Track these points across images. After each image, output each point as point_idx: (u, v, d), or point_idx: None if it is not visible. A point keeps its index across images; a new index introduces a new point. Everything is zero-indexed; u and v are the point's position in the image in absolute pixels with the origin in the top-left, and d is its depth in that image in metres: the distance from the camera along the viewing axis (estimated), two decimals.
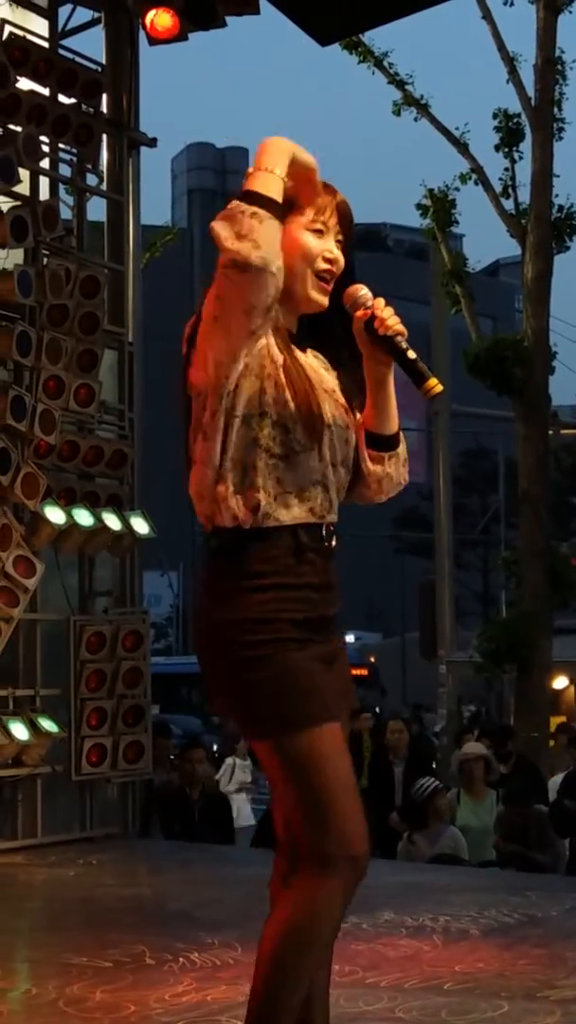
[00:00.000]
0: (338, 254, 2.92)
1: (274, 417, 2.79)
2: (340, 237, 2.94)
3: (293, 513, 2.82)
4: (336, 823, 2.71)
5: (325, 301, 2.92)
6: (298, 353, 2.89)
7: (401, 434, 3.02)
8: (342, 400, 2.94)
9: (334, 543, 2.90)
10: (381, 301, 2.90)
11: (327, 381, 2.94)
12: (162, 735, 9.94)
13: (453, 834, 8.64)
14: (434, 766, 12.47)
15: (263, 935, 2.78)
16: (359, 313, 2.89)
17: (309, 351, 2.95)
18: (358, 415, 2.99)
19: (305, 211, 2.88)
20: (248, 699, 2.80)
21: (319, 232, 2.90)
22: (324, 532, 2.87)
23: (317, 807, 2.72)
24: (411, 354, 2.86)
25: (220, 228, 2.68)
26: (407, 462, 3.06)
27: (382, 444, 2.99)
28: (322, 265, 2.89)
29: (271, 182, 2.74)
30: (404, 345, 2.86)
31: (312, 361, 2.94)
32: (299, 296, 2.90)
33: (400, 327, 2.87)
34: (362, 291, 2.91)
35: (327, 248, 2.90)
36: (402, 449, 3.03)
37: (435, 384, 2.86)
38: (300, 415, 2.81)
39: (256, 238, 2.65)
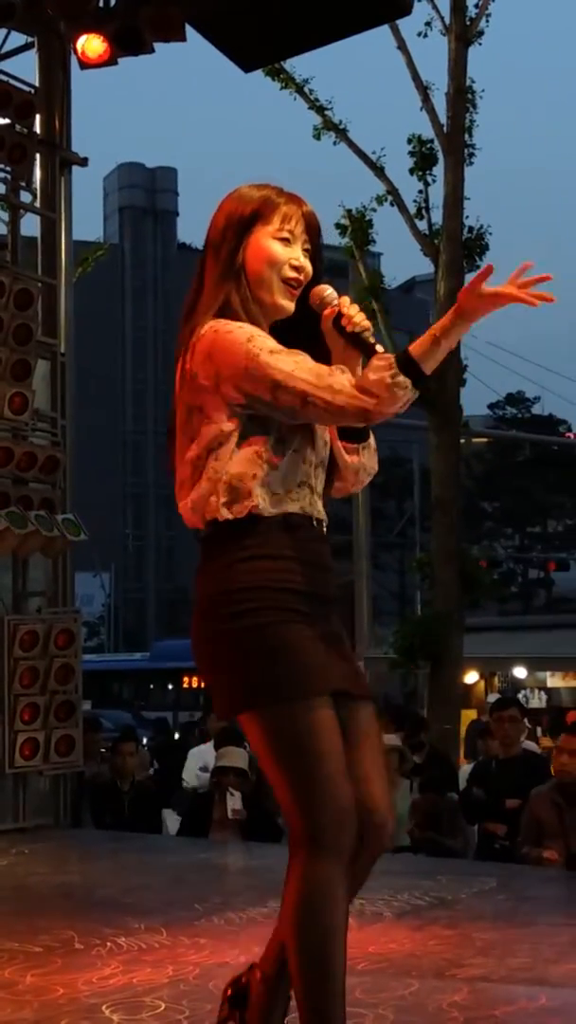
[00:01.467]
0: (305, 262, 2.90)
1: (274, 432, 2.79)
2: (307, 246, 2.93)
3: (284, 507, 2.81)
4: (322, 798, 2.65)
5: (291, 307, 2.90)
6: None
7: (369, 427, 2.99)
8: None
9: (325, 531, 2.88)
10: (347, 299, 2.88)
11: None
12: (93, 729, 9.87)
13: None
14: None
15: (282, 914, 2.71)
16: (327, 311, 2.88)
17: None
18: None
19: (271, 220, 2.87)
20: (236, 669, 2.72)
21: (286, 240, 2.88)
22: (314, 522, 2.86)
23: (307, 783, 2.65)
24: (379, 348, 2.83)
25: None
26: (376, 451, 3.05)
27: (354, 436, 2.97)
28: (289, 273, 2.87)
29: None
30: (372, 340, 2.84)
31: None
32: (268, 303, 2.87)
33: (366, 323, 2.85)
34: (328, 291, 2.89)
35: (294, 256, 2.88)
36: (372, 440, 3.02)
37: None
38: (296, 430, 2.81)
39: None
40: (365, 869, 2.84)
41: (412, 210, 16.41)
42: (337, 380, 2.69)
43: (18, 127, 8.95)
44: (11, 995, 4.13)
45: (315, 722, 2.67)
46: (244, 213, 2.86)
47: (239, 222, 2.86)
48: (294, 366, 2.69)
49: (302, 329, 2.90)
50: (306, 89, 16.89)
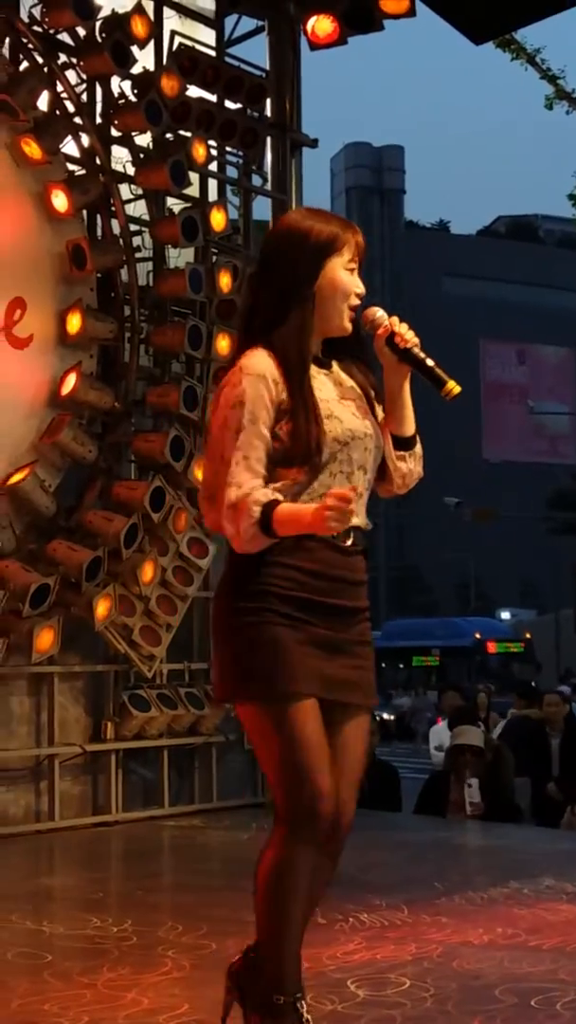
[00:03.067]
0: (363, 289, 3.15)
1: (301, 455, 2.97)
2: (359, 271, 3.16)
3: None
4: (297, 786, 2.94)
5: (351, 327, 3.14)
6: (322, 376, 3.09)
7: (416, 436, 3.23)
8: (365, 406, 3.13)
9: (350, 542, 3.04)
10: (396, 319, 3.13)
11: (353, 390, 3.13)
12: None
13: None
14: None
15: (256, 871, 3.06)
16: (380, 331, 3.13)
17: (334, 364, 3.15)
18: (380, 414, 3.18)
19: (343, 252, 3.09)
20: (226, 663, 3.02)
21: (352, 271, 3.12)
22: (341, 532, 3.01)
23: (281, 770, 2.96)
24: (429, 361, 3.09)
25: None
26: (421, 458, 3.26)
27: (403, 444, 3.21)
28: (355, 301, 3.13)
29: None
30: (422, 355, 3.09)
31: (339, 375, 3.15)
32: (334, 325, 3.12)
33: (416, 339, 3.10)
34: (379, 312, 3.16)
35: (358, 285, 3.13)
36: (418, 448, 3.24)
37: (453, 386, 3.06)
38: (317, 444, 2.98)
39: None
40: (333, 852, 3.14)
41: None
42: (250, 497, 2.91)
43: (250, 111, 9.06)
44: None
45: (298, 716, 2.93)
46: (320, 243, 3.07)
47: (315, 251, 3.06)
48: (243, 460, 2.94)
49: (341, 344, 3.16)
50: (538, 59, 16.59)
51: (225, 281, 8.28)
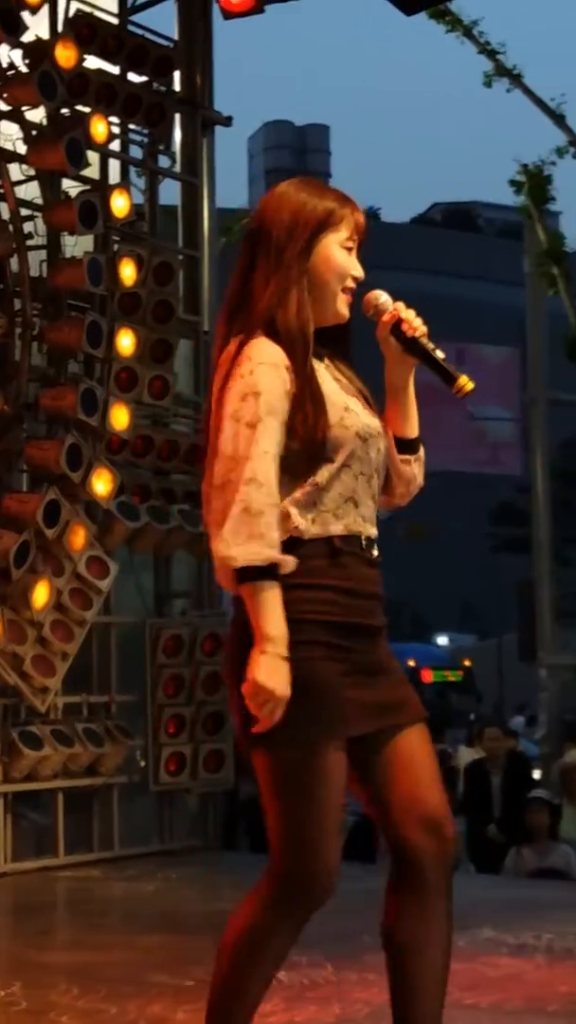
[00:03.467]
0: (362, 272, 3.07)
1: (310, 451, 2.88)
2: (357, 251, 3.09)
3: (328, 528, 2.92)
4: (301, 855, 2.86)
5: (348, 313, 3.07)
6: (322, 367, 3.00)
7: (420, 438, 3.16)
8: (366, 404, 3.06)
9: (375, 553, 2.99)
10: (402, 304, 3.06)
11: (351, 388, 3.06)
12: None
13: (565, 851, 8.59)
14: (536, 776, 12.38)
15: (225, 928, 2.96)
16: (385, 318, 3.05)
17: (325, 358, 3.06)
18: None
19: (341, 228, 3.03)
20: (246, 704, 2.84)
21: (349, 250, 3.05)
22: (364, 542, 2.97)
23: (287, 833, 2.86)
24: (439, 354, 3.02)
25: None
26: (424, 464, 3.19)
27: (407, 447, 3.14)
28: (351, 284, 3.05)
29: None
30: (431, 345, 3.02)
31: (335, 369, 3.07)
32: (329, 311, 3.04)
33: (424, 328, 3.02)
34: (383, 297, 3.07)
35: (355, 267, 3.06)
36: (422, 452, 3.18)
37: (466, 382, 3.00)
38: (330, 441, 2.90)
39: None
40: (443, 877, 2.95)
41: None
42: (256, 528, 2.78)
43: (156, 85, 9.05)
44: None
45: (321, 771, 2.83)
46: (314, 219, 3.01)
47: (311, 226, 3.00)
48: (261, 459, 2.82)
49: (346, 337, 3.10)
50: (475, 32, 16.78)
51: (128, 272, 8.25)
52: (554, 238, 17.33)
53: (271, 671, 2.72)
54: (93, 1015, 4.46)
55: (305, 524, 2.89)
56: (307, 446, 2.87)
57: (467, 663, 41.35)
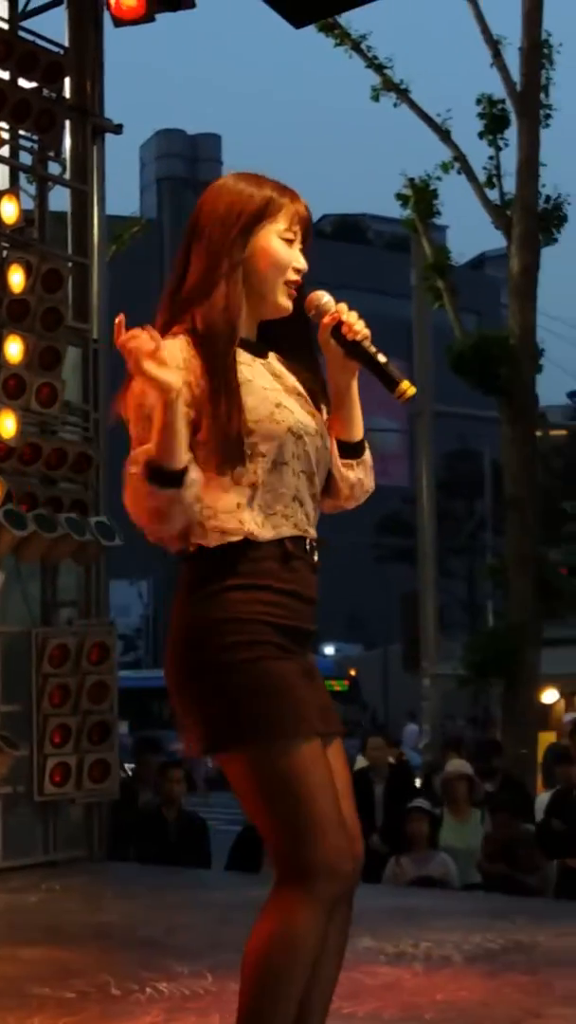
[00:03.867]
0: (305, 264, 3.02)
1: (224, 444, 2.84)
2: (301, 245, 3.04)
3: (280, 530, 2.90)
4: (317, 839, 2.76)
5: (290, 307, 3.02)
6: (258, 364, 2.98)
7: (366, 441, 3.12)
8: (310, 406, 3.02)
9: (316, 558, 2.97)
10: (344, 306, 3.00)
11: (294, 387, 3.03)
12: (149, 751, 9.95)
13: (443, 860, 8.68)
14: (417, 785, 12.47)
15: (247, 948, 2.81)
16: (325, 320, 3.00)
17: (271, 355, 3.04)
18: (325, 416, 3.07)
19: (278, 219, 2.99)
20: (219, 706, 2.81)
21: (289, 241, 3.00)
22: (308, 546, 2.95)
23: (296, 823, 2.78)
24: (381, 357, 2.96)
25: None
26: (372, 468, 3.16)
27: (350, 451, 3.10)
28: (292, 276, 3.00)
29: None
30: (373, 349, 2.97)
31: (276, 366, 3.03)
32: (269, 302, 3.01)
33: (367, 331, 2.97)
34: (325, 298, 3.02)
35: (296, 258, 3.01)
36: (367, 456, 3.14)
37: (408, 387, 2.96)
38: (258, 435, 2.88)
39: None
40: (349, 890, 2.92)
41: (482, 178, 16.39)
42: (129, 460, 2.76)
43: (46, 92, 8.99)
44: None
45: (308, 759, 2.79)
46: (250, 209, 2.97)
47: (245, 217, 2.96)
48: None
49: (291, 333, 3.06)
50: (363, 46, 16.91)
51: (16, 279, 8.20)
52: (440, 252, 17.50)
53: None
54: None
55: (255, 528, 2.86)
56: (220, 439, 2.83)
57: (352, 673, 41.52)
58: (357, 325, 2.97)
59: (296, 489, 2.93)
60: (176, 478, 2.73)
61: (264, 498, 2.89)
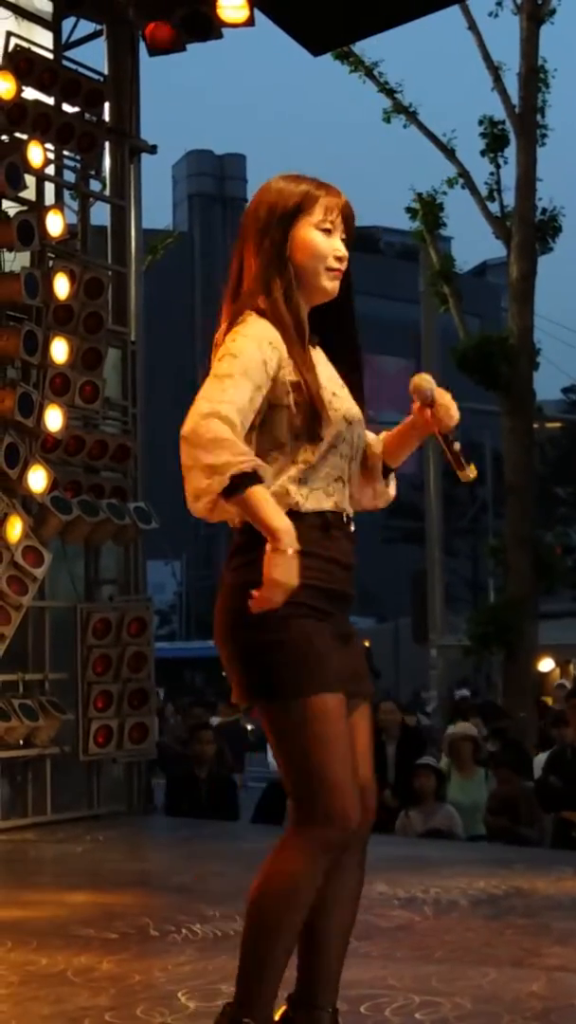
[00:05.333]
0: (345, 252, 2.99)
1: (305, 433, 2.86)
2: (344, 236, 3.01)
3: (322, 504, 2.91)
4: (324, 793, 2.76)
5: (336, 289, 3.00)
6: (315, 353, 2.97)
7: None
8: (353, 391, 3.03)
9: (352, 529, 2.99)
10: (448, 396, 3.05)
11: (335, 375, 3.02)
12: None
13: (448, 812, 8.66)
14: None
15: (252, 886, 2.82)
16: (427, 414, 3.05)
17: (317, 345, 3.02)
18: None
19: (314, 211, 2.96)
20: (254, 659, 2.83)
21: (327, 231, 2.97)
22: (345, 518, 2.97)
23: (307, 775, 2.78)
24: (456, 446, 3.06)
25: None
26: (395, 485, 3.24)
27: (387, 471, 3.19)
28: (333, 264, 2.98)
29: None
30: (451, 437, 3.06)
31: (322, 355, 3.02)
32: (316, 288, 2.98)
33: (453, 422, 3.04)
34: (426, 387, 3.05)
35: (336, 247, 2.98)
36: (392, 477, 3.22)
37: (471, 472, 3.06)
38: (326, 420, 2.88)
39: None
40: (363, 837, 2.94)
41: (484, 192, 16.29)
42: (224, 446, 2.68)
43: (87, 116, 9.00)
44: (88, 981, 4.17)
45: (322, 713, 2.77)
46: (288, 206, 2.96)
47: (283, 215, 2.95)
48: (226, 402, 2.72)
49: (329, 316, 3.03)
50: (375, 72, 16.81)
51: (62, 286, 8.19)
52: (446, 260, 17.41)
53: (286, 569, 2.67)
54: (24, 966, 4.42)
55: (301, 500, 2.86)
56: (305, 424, 2.85)
57: (366, 643, 41.54)
58: (446, 420, 3.03)
59: (341, 470, 2.95)
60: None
61: (314, 476, 2.89)
